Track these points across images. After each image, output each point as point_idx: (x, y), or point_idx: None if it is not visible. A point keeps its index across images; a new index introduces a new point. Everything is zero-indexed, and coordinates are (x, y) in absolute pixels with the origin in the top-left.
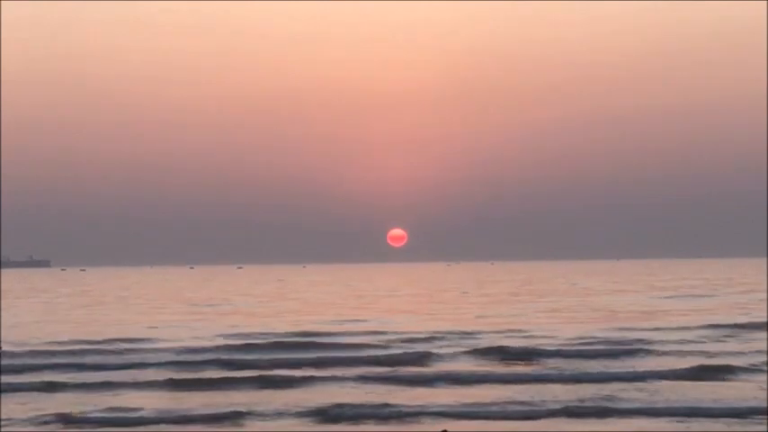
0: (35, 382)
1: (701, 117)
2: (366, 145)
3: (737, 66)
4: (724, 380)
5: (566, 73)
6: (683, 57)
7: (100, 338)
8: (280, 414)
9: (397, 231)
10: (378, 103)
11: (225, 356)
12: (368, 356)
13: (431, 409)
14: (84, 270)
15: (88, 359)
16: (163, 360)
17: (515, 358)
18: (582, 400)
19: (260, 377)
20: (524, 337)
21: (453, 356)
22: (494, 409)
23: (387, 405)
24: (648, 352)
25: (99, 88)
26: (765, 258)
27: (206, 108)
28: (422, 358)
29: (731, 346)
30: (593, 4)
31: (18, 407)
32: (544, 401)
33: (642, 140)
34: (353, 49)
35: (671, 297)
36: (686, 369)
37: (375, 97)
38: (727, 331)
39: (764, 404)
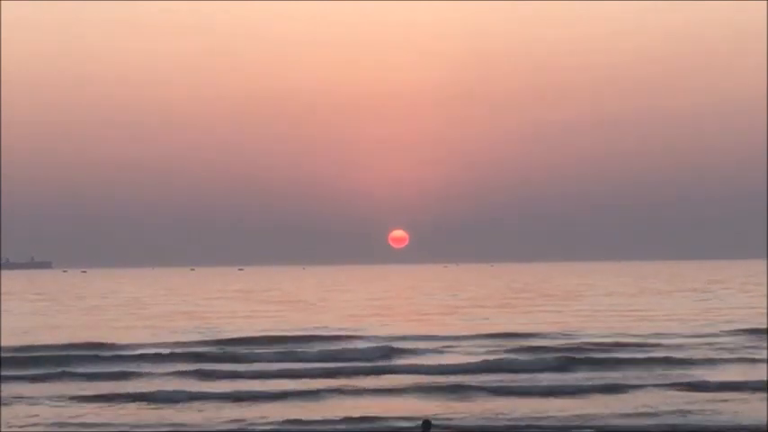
0: None
1: (702, 118)
2: (368, 146)
3: (738, 66)
4: None
5: (565, 74)
6: (684, 58)
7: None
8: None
9: (398, 233)
10: (380, 104)
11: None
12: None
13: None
14: (85, 272)
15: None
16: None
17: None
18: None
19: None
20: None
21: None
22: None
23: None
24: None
25: (99, 89)
26: (765, 260)
27: (207, 109)
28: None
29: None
30: (594, 5)
31: None
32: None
33: (642, 142)
34: (354, 51)
35: (681, 299)
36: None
37: (377, 98)
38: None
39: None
